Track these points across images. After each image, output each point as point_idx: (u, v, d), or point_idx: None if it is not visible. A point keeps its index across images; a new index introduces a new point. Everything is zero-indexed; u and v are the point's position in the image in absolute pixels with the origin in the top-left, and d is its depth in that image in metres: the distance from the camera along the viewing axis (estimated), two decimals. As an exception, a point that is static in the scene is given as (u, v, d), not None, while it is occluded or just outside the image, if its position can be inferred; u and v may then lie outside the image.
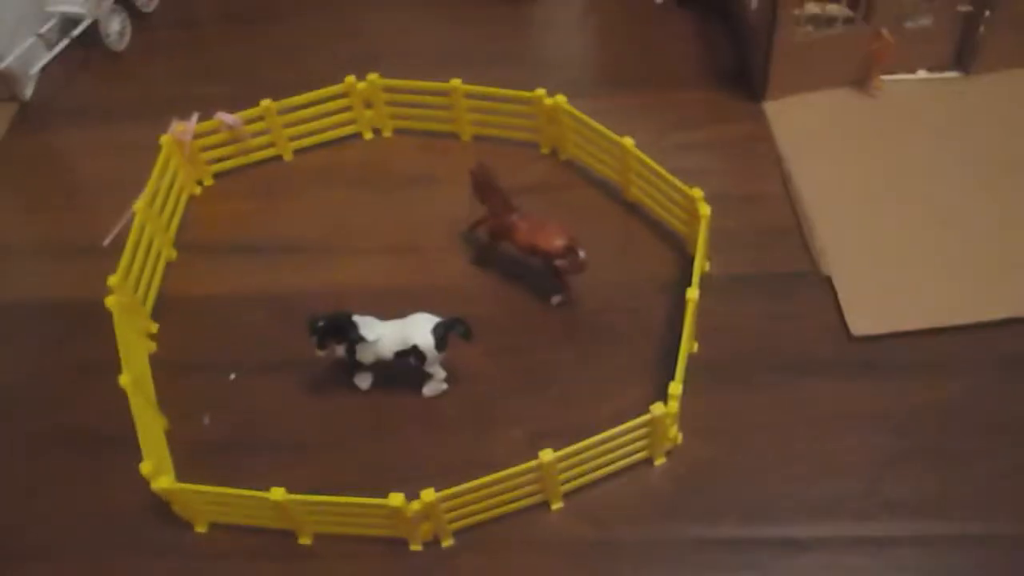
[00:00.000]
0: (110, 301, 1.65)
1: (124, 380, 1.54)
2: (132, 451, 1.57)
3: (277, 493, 1.40)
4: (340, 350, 1.59)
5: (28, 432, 1.69)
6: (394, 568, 1.48)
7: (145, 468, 1.44)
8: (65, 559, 1.53)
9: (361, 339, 1.55)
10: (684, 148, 1.97)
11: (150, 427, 1.55)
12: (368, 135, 2.10)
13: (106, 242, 1.94)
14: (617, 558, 1.47)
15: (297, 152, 2.09)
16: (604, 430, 1.45)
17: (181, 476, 1.52)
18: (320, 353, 1.57)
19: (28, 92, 2.26)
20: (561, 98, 1.88)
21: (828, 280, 1.75)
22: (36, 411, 1.72)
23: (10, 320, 1.87)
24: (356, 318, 1.55)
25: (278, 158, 2.08)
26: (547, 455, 1.40)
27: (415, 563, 1.48)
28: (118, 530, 1.55)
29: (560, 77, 2.07)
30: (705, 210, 1.67)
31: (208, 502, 1.47)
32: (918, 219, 1.83)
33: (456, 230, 1.90)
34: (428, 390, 1.64)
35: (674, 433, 1.53)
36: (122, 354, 1.59)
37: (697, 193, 1.69)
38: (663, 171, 1.75)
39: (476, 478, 1.42)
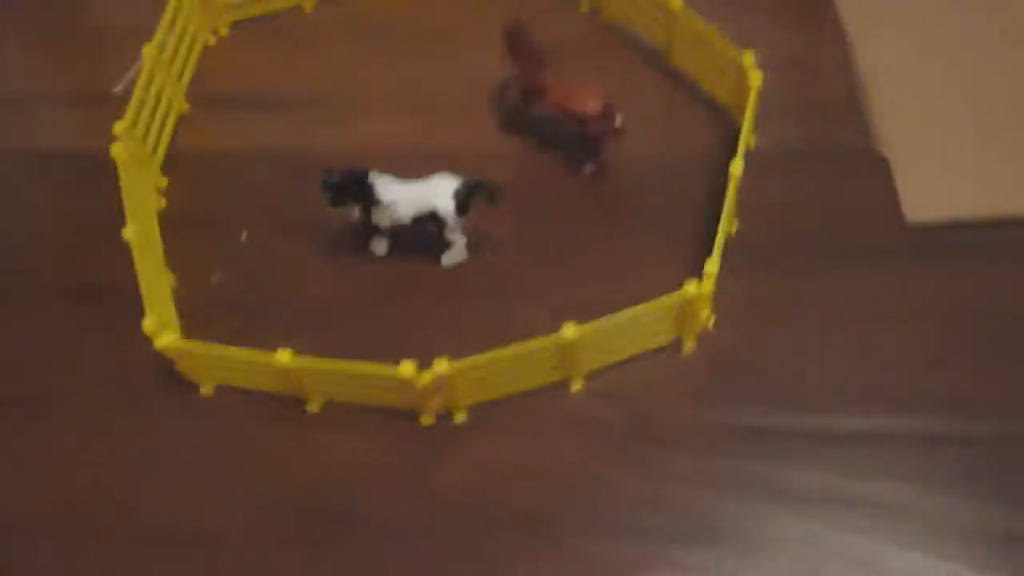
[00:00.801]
0: (116, 149, 1.56)
1: (128, 232, 1.46)
2: (139, 308, 1.51)
3: (284, 356, 1.33)
4: (355, 212, 1.50)
5: (33, 285, 1.63)
6: (403, 441, 1.42)
7: (148, 325, 1.38)
8: (66, 415, 1.49)
9: (377, 200, 1.45)
10: (734, 8, 1.79)
11: (156, 283, 1.48)
12: (394, -16, 1.96)
13: (116, 89, 1.84)
14: (638, 442, 1.39)
15: (319, 3, 1.95)
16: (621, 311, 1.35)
17: (188, 336, 1.45)
18: (332, 211, 1.48)
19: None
20: (606, -50, 1.73)
21: (885, 161, 1.62)
22: (40, 263, 1.66)
23: (17, 169, 1.80)
24: (373, 177, 1.45)
25: (298, 8, 1.94)
26: (571, 330, 1.31)
27: (425, 437, 1.42)
28: (121, 388, 1.50)
29: None
30: (756, 79, 1.53)
31: (214, 363, 1.41)
32: (986, 102, 1.68)
33: (484, 91, 1.77)
34: (447, 259, 1.55)
35: (707, 315, 1.44)
36: (127, 206, 1.51)
37: (748, 59, 1.55)
38: (713, 34, 1.60)
39: (481, 354, 1.34)
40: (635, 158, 1.65)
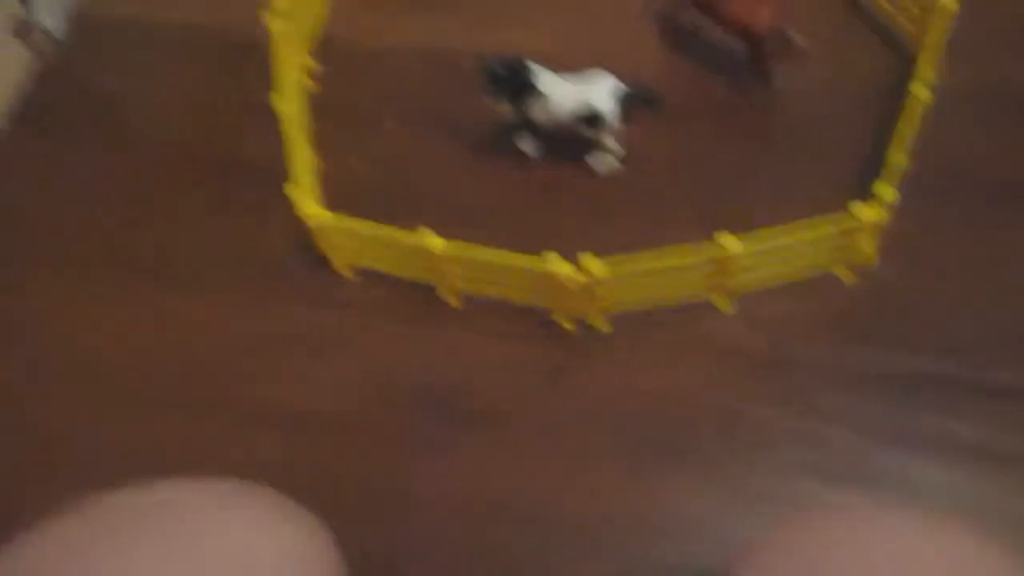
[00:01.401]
0: (272, 24, 1.53)
1: (279, 103, 1.44)
2: (282, 185, 1.50)
3: (435, 241, 1.29)
4: (508, 108, 1.45)
5: (174, 162, 1.63)
6: (540, 344, 1.37)
7: (293, 192, 1.35)
8: (197, 287, 1.49)
9: (533, 87, 1.38)
10: None
11: (302, 158, 1.45)
12: None
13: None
14: (786, 374, 1.32)
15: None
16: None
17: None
18: (487, 101, 1.43)
19: None
20: None
21: (1076, 108, 1.50)
22: (190, 139, 1.65)
23: (170, 43, 1.79)
24: (531, 66, 1.39)
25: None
26: (730, 241, 1.24)
27: (567, 344, 1.37)
28: (256, 263, 1.49)
29: None
30: (951, 1, 1.42)
31: (356, 240, 1.38)
32: None
33: (652, 3, 1.69)
34: (600, 164, 1.49)
35: (871, 249, 1.35)
36: (281, 80, 1.48)
37: (944, -19, 1.44)
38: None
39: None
40: (802, 83, 1.55)
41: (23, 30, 1.69)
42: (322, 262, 1.46)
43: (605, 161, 1.48)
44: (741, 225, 1.36)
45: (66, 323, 1.48)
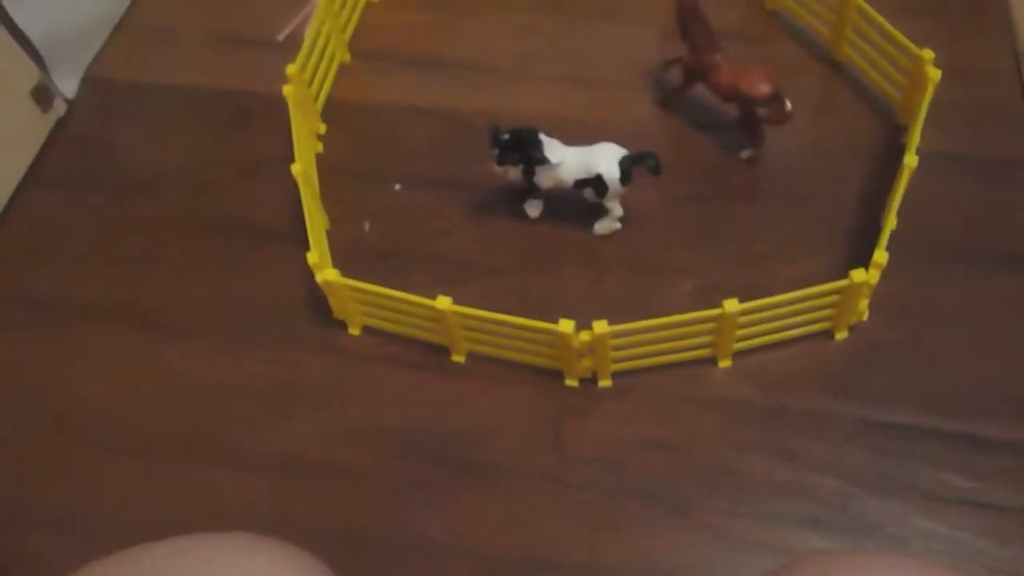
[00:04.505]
0: (287, 90, 1.60)
1: (296, 169, 1.50)
2: (291, 243, 1.56)
3: (443, 302, 1.35)
4: (514, 172, 1.51)
5: (181, 217, 1.69)
6: (546, 400, 1.43)
7: (312, 258, 1.41)
8: (213, 340, 1.53)
9: (544, 160, 1.46)
10: (898, 9, 1.75)
11: (315, 221, 1.51)
12: (558, -42, 1.97)
13: (281, 37, 1.88)
14: (781, 427, 1.38)
15: (481, -31, 1.97)
16: (782, 293, 1.34)
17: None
18: (496, 169, 1.49)
19: None
20: (782, -65, 1.71)
21: (1053, 173, 1.58)
22: (195, 196, 1.71)
23: (175, 104, 1.85)
24: (542, 137, 1.46)
25: (462, -29, 1.97)
26: (731, 305, 1.31)
27: (569, 399, 1.43)
28: (270, 319, 1.54)
29: None
30: (934, 73, 1.50)
31: (367, 303, 1.44)
32: None
33: (642, 68, 1.77)
34: (601, 227, 1.55)
35: (863, 307, 1.42)
36: (296, 144, 1.54)
37: (927, 55, 1.52)
38: (889, 26, 1.57)
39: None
40: (792, 146, 1.63)
41: (41, 94, 1.74)
42: (329, 316, 1.51)
43: (606, 224, 1.55)
44: (731, 285, 1.44)
45: (71, 371, 1.52)
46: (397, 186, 1.67)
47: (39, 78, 1.74)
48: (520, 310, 1.39)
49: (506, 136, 1.45)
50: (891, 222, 1.39)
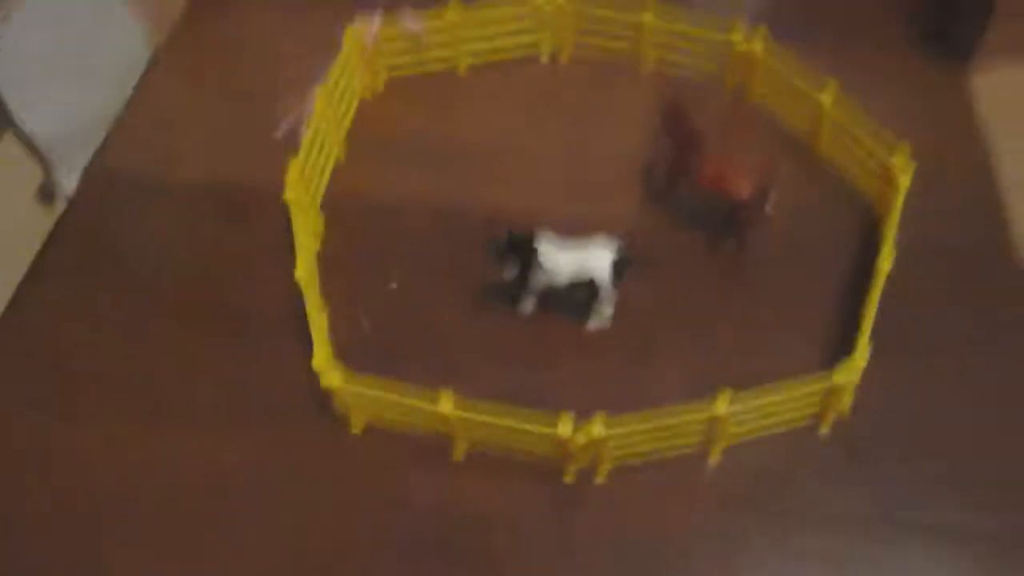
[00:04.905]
0: (288, 196, 1.65)
1: (299, 274, 1.55)
2: (292, 339, 1.60)
3: (446, 403, 1.39)
4: (509, 273, 1.57)
5: (183, 309, 1.73)
6: (543, 495, 1.47)
7: (317, 362, 1.45)
8: (217, 433, 1.57)
9: (539, 265, 1.52)
10: (872, 109, 1.82)
11: (319, 324, 1.56)
12: (545, 58, 2.05)
13: (278, 134, 1.94)
14: (767, 518, 1.44)
15: (471, 67, 2.05)
16: (767, 384, 1.41)
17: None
18: (505, 275, 1.56)
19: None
20: (758, 44, 1.80)
21: (1021, 261, 1.66)
22: (197, 290, 1.75)
23: (174, 198, 1.90)
24: (539, 241, 1.52)
25: (452, 70, 2.04)
26: (723, 405, 1.37)
27: (565, 492, 1.47)
28: (273, 413, 1.58)
29: (744, 15, 1.92)
30: (906, 177, 1.59)
31: (372, 401, 1.48)
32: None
33: (629, 163, 1.85)
34: (593, 324, 1.61)
35: (846, 403, 1.48)
36: (298, 246, 1.60)
37: (899, 159, 1.61)
38: (864, 132, 1.66)
39: (631, 414, 1.40)
40: (773, 237, 1.71)
41: (45, 192, 1.79)
42: (332, 411, 1.55)
43: (599, 319, 1.61)
44: (718, 376, 1.48)
45: (73, 461, 1.55)
46: (393, 285, 1.72)
47: (43, 177, 1.78)
48: (516, 401, 1.44)
49: (504, 241, 1.51)
50: (869, 323, 1.46)
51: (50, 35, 1.78)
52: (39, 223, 1.80)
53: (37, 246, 1.79)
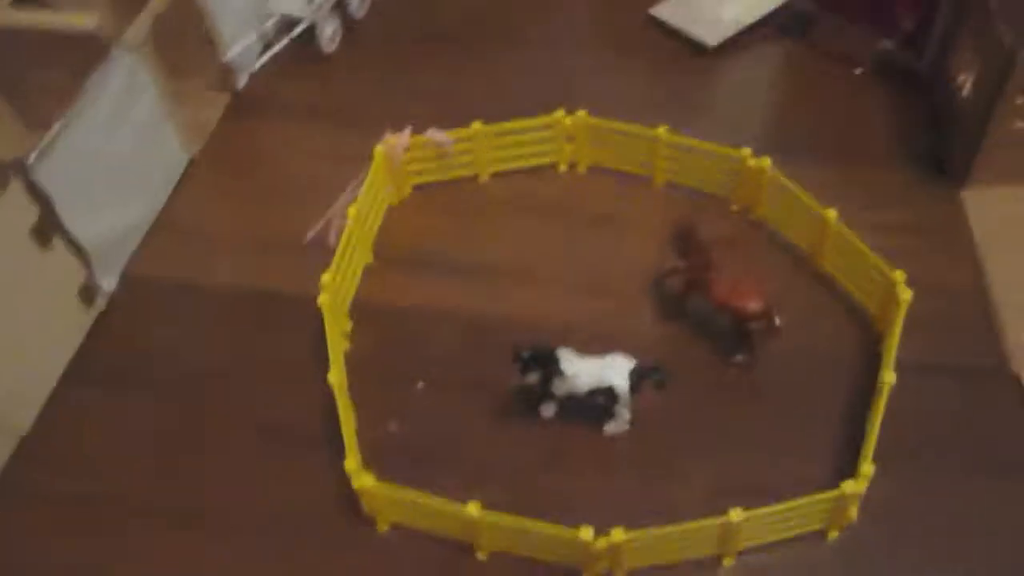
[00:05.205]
0: (322, 300, 1.75)
1: (332, 378, 1.63)
2: (322, 444, 1.68)
3: (473, 508, 1.46)
4: (532, 377, 1.65)
5: (217, 417, 1.80)
6: (565, 596, 1.54)
7: (349, 465, 1.53)
8: (252, 541, 1.63)
9: (560, 373, 1.60)
10: (872, 227, 1.91)
11: (350, 428, 1.63)
12: (563, 167, 2.16)
13: (308, 239, 2.04)
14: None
15: (493, 175, 2.16)
16: (777, 494, 1.49)
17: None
18: (527, 381, 1.64)
19: (241, 84, 2.39)
20: (766, 161, 1.92)
21: (1017, 379, 1.74)
22: (226, 397, 1.83)
23: (206, 303, 1.99)
24: (559, 353, 1.61)
25: (474, 177, 2.16)
26: (736, 514, 1.44)
27: (586, 595, 1.54)
28: (303, 518, 1.64)
29: (748, 137, 2.06)
30: (905, 295, 1.69)
31: (398, 505, 1.55)
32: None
33: (643, 274, 1.94)
34: (610, 428, 1.69)
35: (853, 512, 1.55)
36: (330, 351, 1.68)
37: (899, 277, 1.71)
38: (865, 249, 1.77)
39: (648, 522, 1.47)
40: (780, 352, 1.80)
41: (86, 292, 1.88)
42: (360, 512, 1.61)
43: (616, 425, 1.69)
44: (735, 482, 1.58)
45: (122, 567, 1.60)
46: (420, 384, 1.80)
47: (85, 277, 1.88)
48: (536, 508, 1.51)
49: (527, 354, 1.59)
50: (873, 435, 1.54)
51: (98, 145, 1.89)
52: (79, 322, 1.89)
53: (76, 345, 1.87)
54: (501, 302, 1.93)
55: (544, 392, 1.67)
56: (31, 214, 1.73)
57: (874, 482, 1.53)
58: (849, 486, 1.46)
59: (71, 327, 1.88)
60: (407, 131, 2.05)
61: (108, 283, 1.96)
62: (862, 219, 1.88)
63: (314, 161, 2.23)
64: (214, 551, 1.62)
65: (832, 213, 1.82)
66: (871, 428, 1.56)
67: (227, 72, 2.35)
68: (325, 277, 1.77)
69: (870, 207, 2.02)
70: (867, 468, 1.49)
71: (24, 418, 1.76)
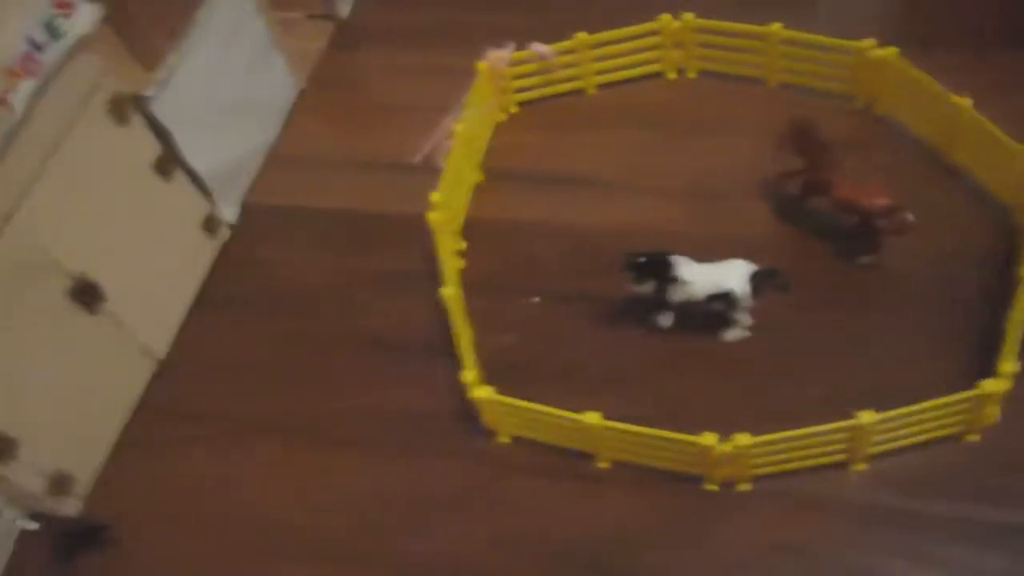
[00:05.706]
0: (432, 217, 1.75)
1: (446, 292, 1.64)
2: (438, 356, 1.70)
3: (592, 417, 1.46)
4: (647, 286, 1.62)
5: (335, 334, 1.84)
6: (687, 503, 1.52)
7: (466, 377, 1.54)
8: (373, 451, 1.67)
9: (677, 279, 1.57)
10: (1005, 115, 1.77)
11: (465, 340, 1.64)
12: (672, 75, 2.09)
13: (416, 160, 2.05)
14: (916, 530, 1.44)
15: (599, 87, 2.11)
16: (908, 398, 1.42)
17: (484, 388, 1.61)
18: (637, 288, 1.61)
19: (345, 11, 2.40)
20: (892, 50, 1.80)
21: None
22: (347, 314, 1.86)
23: (320, 226, 2.03)
24: (674, 259, 1.57)
25: (580, 91, 2.11)
26: (867, 416, 1.38)
27: (709, 502, 1.51)
28: (424, 429, 1.67)
29: (864, 31, 1.90)
30: (1049, 180, 1.57)
31: (517, 416, 1.55)
32: None
33: (756, 179, 1.87)
34: (730, 335, 1.65)
35: (994, 412, 1.48)
36: (443, 268, 1.69)
37: (1040, 163, 1.59)
38: (1004, 136, 1.65)
39: (771, 429, 1.43)
40: (909, 251, 1.70)
41: (210, 224, 1.94)
42: (479, 425, 1.63)
43: (736, 331, 1.64)
44: (860, 388, 1.51)
45: (249, 482, 1.67)
46: (536, 299, 1.79)
47: (208, 209, 1.93)
48: (653, 416, 1.49)
49: (642, 260, 1.56)
50: (1015, 331, 1.45)
51: (211, 78, 1.93)
52: (205, 252, 1.95)
53: (203, 274, 1.94)
54: (609, 214, 1.89)
55: (659, 301, 1.64)
56: (153, 148, 1.78)
57: (1018, 381, 1.45)
58: (990, 385, 1.39)
59: (198, 256, 1.94)
60: (510, 47, 2.01)
61: (230, 213, 2.01)
62: (992, 106, 1.74)
63: (418, 83, 2.22)
64: (341, 462, 1.67)
65: (966, 100, 1.70)
66: (1012, 324, 1.47)
67: (330, 1, 2.36)
68: (435, 196, 1.78)
69: (998, 92, 1.84)
70: (1009, 366, 1.40)
71: (161, 343, 1.84)
